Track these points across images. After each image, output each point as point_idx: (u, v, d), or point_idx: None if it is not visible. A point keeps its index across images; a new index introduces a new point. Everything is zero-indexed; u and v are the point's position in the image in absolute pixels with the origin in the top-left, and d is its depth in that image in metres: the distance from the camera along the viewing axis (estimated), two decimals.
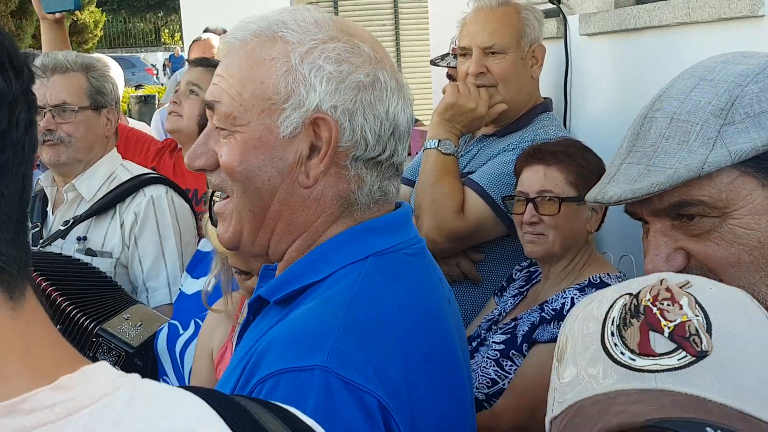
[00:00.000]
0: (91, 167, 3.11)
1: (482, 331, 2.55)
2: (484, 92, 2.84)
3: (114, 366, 0.78)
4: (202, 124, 2.67)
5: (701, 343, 0.92)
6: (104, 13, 35.08)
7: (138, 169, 3.20)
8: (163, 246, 3.04)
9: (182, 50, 21.48)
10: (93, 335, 2.61)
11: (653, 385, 0.90)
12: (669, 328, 0.94)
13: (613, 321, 0.97)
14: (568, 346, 1.01)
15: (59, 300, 2.66)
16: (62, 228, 3.03)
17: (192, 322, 2.55)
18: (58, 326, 2.58)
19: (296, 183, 1.37)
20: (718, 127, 1.23)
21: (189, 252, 3.05)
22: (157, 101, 15.67)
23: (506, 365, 2.36)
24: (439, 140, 2.80)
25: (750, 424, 0.87)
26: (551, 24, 3.38)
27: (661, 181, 1.23)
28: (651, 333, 0.94)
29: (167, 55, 33.41)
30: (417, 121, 5.32)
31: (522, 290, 2.61)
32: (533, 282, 2.61)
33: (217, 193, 1.51)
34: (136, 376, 0.75)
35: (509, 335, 2.41)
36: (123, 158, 3.30)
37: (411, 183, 2.99)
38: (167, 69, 30.09)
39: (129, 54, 33.97)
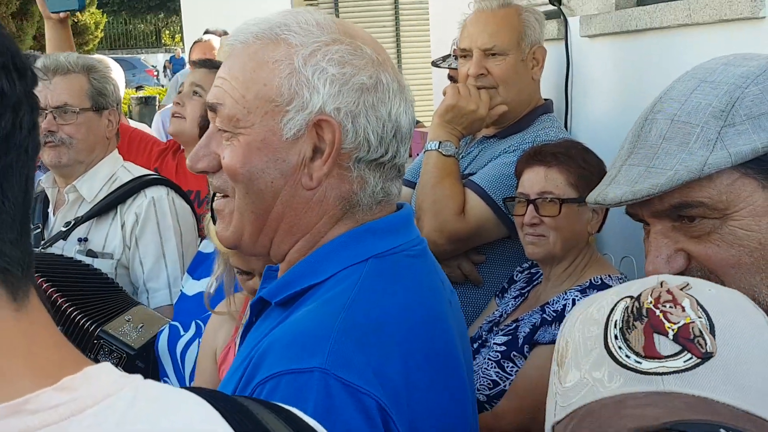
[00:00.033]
0: (92, 168, 3.11)
1: (483, 333, 2.55)
2: (485, 94, 2.84)
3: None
4: (202, 126, 2.67)
5: (706, 344, 0.92)
6: (105, 15, 35.11)
7: (139, 171, 3.20)
8: (163, 247, 3.05)
9: (183, 52, 21.49)
10: (94, 337, 2.61)
11: (661, 388, 0.90)
12: (673, 330, 0.94)
13: (615, 324, 0.97)
14: (569, 350, 1.00)
15: (60, 301, 2.66)
16: (63, 229, 3.03)
17: (193, 324, 2.55)
18: (59, 328, 2.57)
19: (299, 185, 1.37)
20: (719, 129, 1.23)
21: (190, 253, 3.05)
22: (157, 103, 15.67)
23: (507, 366, 2.37)
24: (440, 142, 2.80)
25: (756, 424, 0.87)
26: (552, 25, 3.38)
27: (661, 182, 1.24)
28: (655, 335, 0.94)
29: (168, 56, 33.44)
30: (418, 122, 5.33)
31: (523, 291, 2.61)
32: (534, 283, 2.61)
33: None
34: (138, 377, 0.76)
35: (510, 336, 2.41)
36: (126, 159, 3.30)
37: (412, 185, 3.00)
38: (168, 71, 30.11)
39: (129, 55, 33.99)
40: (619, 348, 0.95)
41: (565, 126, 3.25)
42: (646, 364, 0.92)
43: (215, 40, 6.07)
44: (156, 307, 2.98)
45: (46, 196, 3.17)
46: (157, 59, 36.09)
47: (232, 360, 1.73)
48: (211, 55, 5.49)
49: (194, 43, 6.26)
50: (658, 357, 0.93)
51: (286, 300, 1.41)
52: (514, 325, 2.44)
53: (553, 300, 2.38)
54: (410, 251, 1.44)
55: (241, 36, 1.40)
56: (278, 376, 1.22)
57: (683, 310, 0.96)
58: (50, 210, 3.16)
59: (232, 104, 1.37)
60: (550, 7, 3.42)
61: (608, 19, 3.03)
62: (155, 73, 31.51)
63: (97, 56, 5.11)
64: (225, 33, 6.29)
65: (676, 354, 0.92)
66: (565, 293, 2.38)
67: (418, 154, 3.15)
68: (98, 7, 30.57)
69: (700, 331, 0.93)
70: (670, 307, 0.96)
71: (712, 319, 0.95)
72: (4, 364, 0.70)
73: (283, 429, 0.84)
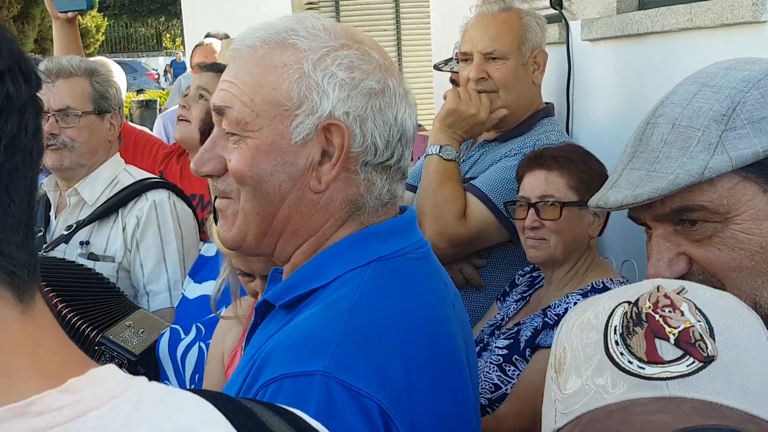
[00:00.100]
0: (93, 172, 3.11)
1: (485, 336, 2.55)
2: (485, 98, 2.84)
3: None
4: (203, 129, 2.67)
5: (707, 348, 0.93)
6: (106, 18, 35.13)
7: (141, 174, 3.21)
8: (164, 250, 3.05)
9: (184, 55, 21.51)
10: (95, 343, 2.61)
11: (666, 393, 0.90)
12: (674, 334, 0.94)
13: (615, 330, 0.97)
14: (567, 357, 1.00)
15: (60, 306, 2.66)
16: (65, 233, 3.04)
17: (193, 327, 2.55)
18: None
19: (307, 188, 1.38)
20: (719, 133, 1.23)
21: (191, 256, 3.05)
22: (158, 106, 15.67)
23: (509, 370, 2.37)
24: (441, 146, 2.80)
25: (760, 426, 0.88)
26: (553, 29, 3.38)
27: (662, 186, 1.24)
28: (657, 340, 0.94)
29: (169, 60, 33.47)
30: (419, 126, 5.32)
31: (525, 295, 2.61)
32: (536, 287, 2.61)
33: None
34: (143, 379, 0.76)
35: (512, 340, 2.41)
36: (132, 161, 3.30)
37: (413, 189, 3.00)
38: (168, 74, 30.14)
39: (130, 59, 34.00)
40: (621, 354, 0.94)
41: (567, 130, 3.25)
42: (650, 370, 0.92)
43: (216, 44, 6.08)
44: (156, 310, 2.98)
45: (47, 200, 3.17)
46: (158, 63, 36.11)
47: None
48: (213, 59, 5.50)
49: (196, 46, 6.27)
50: (660, 362, 0.93)
51: (290, 303, 1.42)
52: (516, 328, 2.44)
53: (555, 303, 2.38)
54: (413, 254, 1.45)
55: (247, 40, 1.41)
56: (280, 379, 1.23)
57: (682, 314, 0.96)
58: (52, 213, 3.16)
59: (240, 107, 1.37)
60: (552, 11, 3.42)
61: (609, 23, 3.03)
62: (156, 77, 31.54)
63: (99, 58, 5.11)
64: (226, 36, 6.30)
65: (678, 359, 0.92)
66: (567, 297, 2.38)
67: (419, 158, 3.16)
68: (99, 11, 30.60)
69: (701, 335, 0.94)
70: (669, 311, 0.96)
71: (710, 323, 0.95)
72: (10, 365, 0.70)
73: (288, 431, 0.84)
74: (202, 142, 2.64)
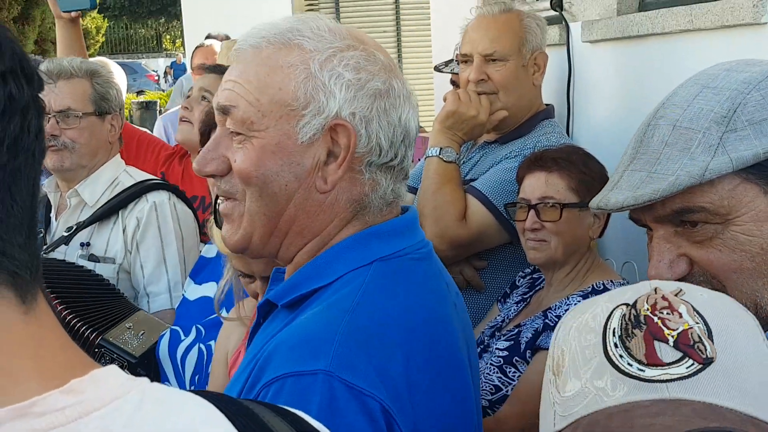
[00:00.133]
0: (94, 173, 3.11)
1: (485, 338, 2.55)
2: (485, 99, 2.84)
3: None
4: (203, 131, 2.67)
5: (706, 350, 0.93)
6: (106, 19, 35.15)
7: (141, 175, 3.20)
8: (164, 251, 3.05)
9: (184, 57, 21.50)
10: (95, 346, 2.61)
11: (666, 395, 0.90)
12: (673, 336, 0.94)
13: (614, 332, 0.97)
14: (565, 359, 1.00)
15: (60, 308, 2.65)
16: (65, 234, 3.04)
17: (193, 328, 2.55)
18: None
19: (313, 188, 1.39)
20: (720, 135, 1.24)
21: (191, 258, 3.05)
22: (158, 107, 15.68)
23: (510, 372, 2.37)
24: (441, 148, 2.81)
25: (759, 428, 0.88)
26: (554, 31, 3.38)
27: (663, 187, 1.24)
28: (656, 342, 0.94)
29: (169, 61, 33.47)
30: (419, 128, 5.33)
31: (525, 297, 2.61)
32: (536, 289, 2.61)
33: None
34: (145, 380, 0.76)
35: (512, 342, 2.41)
36: (134, 162, 3.30)
37: (413, 190, 3.00)
38: (168, 76, 30.15)
39: (130, 60, 34.00)
40: (621, 356, 0.94)
41: (567, 131, 3.26)
42: (649, 372, 0.92)
43: (217, 45, 6.07)
44: (156, 311, 2.98)
45: (48, 201, 3.17)
46: (158, 64, 36.12)
47: None
48: (213, 60, 5.50)
49: (196, 48, 6.27)
50: (660, 364, 0.93)
51: (293, 302, 1.42)
52: (517, 330, 2.44)
53: (556, 305, 2.39)
54: (415, 254, 1.45)
55: (250, 40, 1.41)
56: (283, 378, 1.23)
57: (680, 316, 0.96)
58: (52, 215, 3.16)
59: (246, 107, 1.37)
60: (552, 13, 3.43)
61: (610, 25, 3.03)
62: (156, 78, 31.54)
63: (99, 59, 5.10)
64: (227, 37, 6.30)
65: (677, 361, 0.92)
66: (568, 298, 2.38)
67: (419, 160, 3.16)
68: (99, 12, 30.60)
69: (699, 337, 0.94)
70: (667, 313, 0.96)
71: (709, 325, 0.95)
72: (12, 365, 0.70)
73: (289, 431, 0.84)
74: (202, 143, 2.65)
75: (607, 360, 0.95)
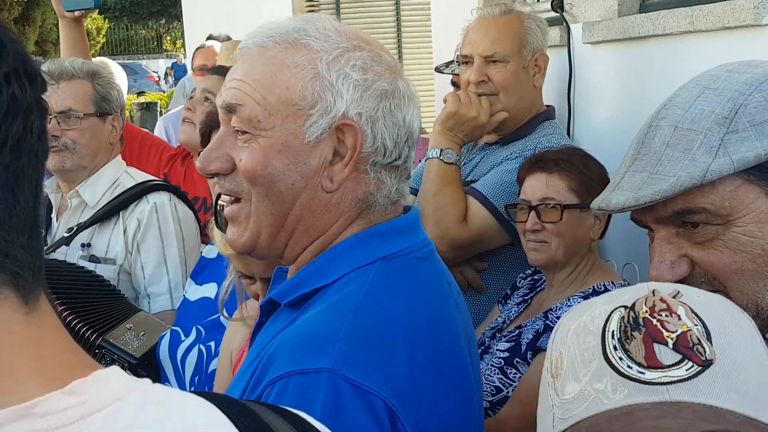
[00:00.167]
0: (95, 174, 3.11)
1: (486, 339, 2.55)
2: (485, 101, 2.84)
3: None
4: (204, 132, 2.67)
5: (705, 352, 0.93)
6: (106, 20, 35.17)
7: (142, 176, 3.20)
8: (165, 252, 3.05)
9: (185, 58, 21.50)
10: (96, 346, 2.61)
11: (667, 398, 0.90)
12: (672, 339, 0.94)
13: (613, 334, 0.97)
14: (564, 362, 1.00)
15: (60, 309, 2.66)
16: (66, 235, 3.04)
17: (194, 329, 2.55)
18: None
19: (319, 187, 1.39)
20: (722, 136, 1.24)
21: (192, 259, 3.05)
22: (159, 108, 15.68)
23: (510, 373, 2.37)
24: (441, 149, 2.80)
25: (759, 429, 0.88)
26: (555, 32, 3.38)
27: (664, 188, 1.24)
28: (655, 345, 0.94)
29: (169, 62, 33.48)
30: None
31: (526, 298, 2.61)
32: (537, 290, 2.61)
33: (223, 197, 1.51)
34: (147, 381, 0.76)
35: (513, 343, 2.41)
36: (137, 162, 3.30)
37: (414, 192, 2.99)
38: (169, 77, 30.17)
39: (131, 61, 33.99)
40: (620, 359, 0.94)
41: (568, 133, 3.26)
42: (650, 374, 0.92)
43: (218, 46, 6.07)
44: (157, 312, 2.98)
45: (49, 201, 3.17)
46: (159, 65, 36.16)
47: None
48: (214, 61, 5.50)
49: (197, 48, 6.27)
50: (660, 366, 0.93)
51: (296, 301, 1.43)
52: (517, 331, 2.44)
53: (556, 306, 2.39)
54: (417, 253, 1.46)
55: (256, 39, 1.42)
56: (287, 376, 1.24)
57: (679, 318, 0.96)
58: (53, 215, 3.16)
59: (253, 105, 1.37)
60: (553, 14, 3.43)
61: (611, 26, 3.03)
62: (157, 79, 31.55)
63: (100, 59, 5.10)
64: (228, 38, 6.30)
65: (677, 363, 0.92)
66: (569, 300, 2.38)
67: (420, 161, 3.16)
68: (100, 13, 30.62)
69: (698, 339, 0.94)
70: (666, 315, 0.96)
71: (707, 326, 0.95)
72: (12, 365, 0.70)
73: None
74: (203, 144, 2.65)
75: (606, 362, 0.95)
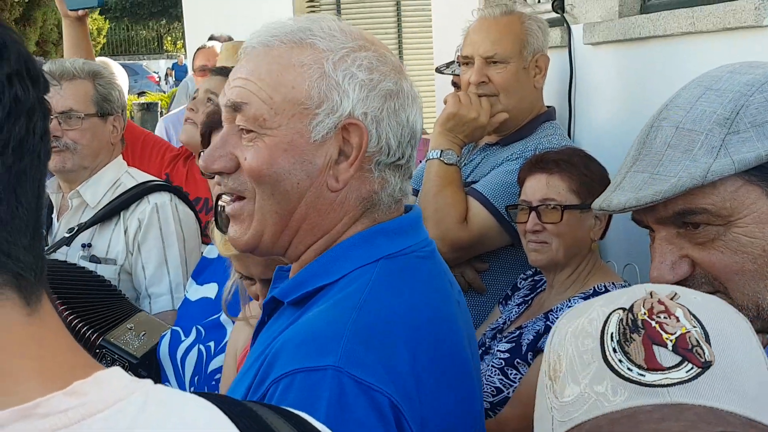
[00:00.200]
0: (96, 174, 3.11)
1: (487, 340, 2.55)
2: (486, 102, 2.84)
3: None
4: (204, 132, 2.67)
5: (704, 353, 0.93)
6: (107, 21, 35.18)
7: (143, 176, 3.20)
8: (166, 253, 3.05)
9: (185, 58, 21.51)
10: (96, 346, 2.61)
11: (668, 400, 0.90)
12: (671, 341, 0.94)
13: (612, 337, 0.97)
14: (562, 364, 1.00)
15: (61, 308, 2.66)
16: (67, 235, 3.03)
17: (194, 329, 2.56)
18: None
19: (324, 186, 1.40)
20: (723, 136, 1.24)
21: (193, 259, 3.05)
22: (159, 109, 15.67)
23: (511, 374, 2.37)
24: (442, 150, 2.80)
25: (759, 430, 0.88)
26: (555, 33, 3.38)
27: (665, 189, 1.24)
28: (655, 347, 0.94)
29: (170, 62, 33.48)
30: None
31: (527, 299, 2.61)
32: (538, 291, 2.61)
33: (224, 197, 1.51)
34: (149, 382, 0.76)
35: (514, 344, 2.41)
36: (139, 163, 3.30)
37: (414, 192, 2.99)
38: (169, 78, 30.17)
39: (131, 61, 33.97)
40: (620, 361, 0.94)
41: (568, 133, 3.26)
42: (650, 377, 0.92)
43: (218, 47, 6.07)
44: (158, 312, 2.98)
45: (50, 202, 3.17)
46: (159, 65, 36.15)
47: None
48: (214, 62, 5.50)
49: (198, 49, 6.27)
50: (660, 369, 0.93)
51: (299, 299, 1.43)
52: (518, 332, 2.44)
53: (557, 307, 2.39)
54: (420, 252, 1.46)
55: (260, 38, 1.42)
56: (292, 374, 1.24)
57: (678, 320, 0.96)
58: (54, 215, 3.16)
59: (259, 104, 1.38)
60: (554, 15, 3.43)
61: (611, 27, 3.03)
62: (157, 80, 31.54)
63: (101, 59, 5.09)
64: (229, 39, 6.30)
65: (677, 365, 0.92)
66: (569, 300, 2.38)
67: (420, 162, 3.16)
68: (100, 13, 30.63)
69: (697, 341, 0.94)
70: (665, 317, 0.96)
71: (705, 328, 0.95)
72: (13, 366, 0.70)
73: None
74: (203, 144, 2.65)
75: (606, 365, 0.95)
